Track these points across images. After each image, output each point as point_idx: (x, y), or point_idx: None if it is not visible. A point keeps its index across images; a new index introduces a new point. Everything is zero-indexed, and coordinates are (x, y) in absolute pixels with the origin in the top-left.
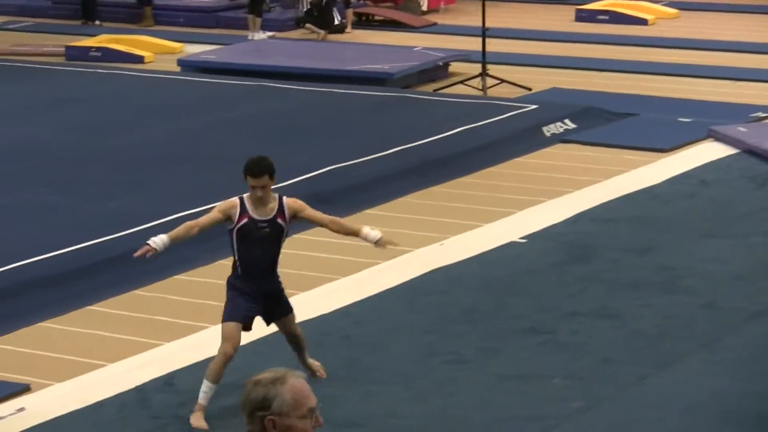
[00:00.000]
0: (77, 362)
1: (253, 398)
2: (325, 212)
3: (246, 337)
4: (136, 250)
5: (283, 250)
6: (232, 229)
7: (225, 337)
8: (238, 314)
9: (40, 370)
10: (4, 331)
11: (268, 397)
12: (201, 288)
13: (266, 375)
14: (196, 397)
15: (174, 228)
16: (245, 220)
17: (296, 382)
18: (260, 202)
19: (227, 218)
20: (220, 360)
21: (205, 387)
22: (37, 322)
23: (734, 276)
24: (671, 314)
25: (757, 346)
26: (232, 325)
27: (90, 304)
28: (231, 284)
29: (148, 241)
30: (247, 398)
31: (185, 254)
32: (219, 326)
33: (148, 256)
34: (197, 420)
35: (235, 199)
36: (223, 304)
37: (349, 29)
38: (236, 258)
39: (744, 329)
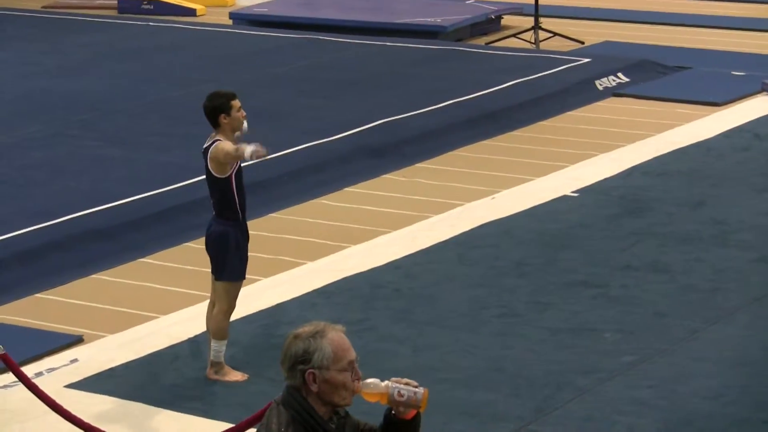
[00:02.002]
0: (130, 314)
1: (294, 352)
2: (378, 167)
3: (301, 288)
4: (185, 204)
5: (333, 203)
6: (231, 174)
7: (234, 297)
8: (244, 272)
9: (93, 322)
10: (57, 282)
11: (309, 351)
12: (253, 240)
13: (306, 329)
14: (249, 348)
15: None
16: (238, 162)
17: (336, 335)
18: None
19: (235, 159)
20: (227, 319)
21: (218, 345)
22: (90, 274)
23: None
24: (723, 268)
25: None
26: (240, 284)
27: (142, 257)
28: (235, 239)
29: (254, 150)
30: (287, 352)
31: None
32: (270, 279)
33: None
34: (232, 374)
35: (229, 143)
36: (271, 256)
37: None
38: (237, 204)
39: None
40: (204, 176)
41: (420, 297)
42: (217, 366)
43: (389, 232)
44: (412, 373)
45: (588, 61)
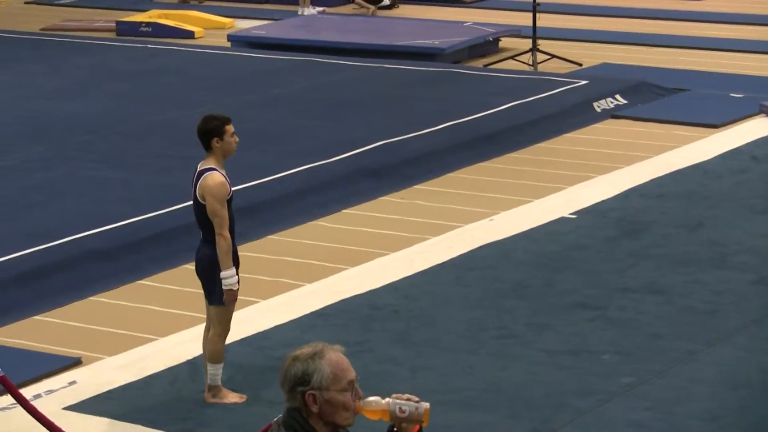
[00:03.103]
0: (128, 336)
1: (293, 374)
2: (376, 189)
3: (300, 310)
4: (183, 226)
5: (332, 225)
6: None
7: (228, 319)
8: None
9: (92, 344)
10: (55, 304)
11: (308, 372)
12: (251, 263)
13: (304, 350)
14: (247, 370)
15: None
16: (231, 188)
17: (334, 355)
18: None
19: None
20: (222, 341)
21: (215, 369)
22: (89, 296)
23: None
24: (721, 290)
25: None
26: (232, 307)
27: (141, 278)
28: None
29: (233, 288)
30: (287, 374)
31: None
32: (270, 300)
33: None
34: (230, 396)
35: (220, 177)
36: (271, 279)
37: (397, 5)
38: (230, 226)
39: None
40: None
41: (418, 318)
42: (214, 389)
43: (387, 253)
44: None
45: (586, 83)
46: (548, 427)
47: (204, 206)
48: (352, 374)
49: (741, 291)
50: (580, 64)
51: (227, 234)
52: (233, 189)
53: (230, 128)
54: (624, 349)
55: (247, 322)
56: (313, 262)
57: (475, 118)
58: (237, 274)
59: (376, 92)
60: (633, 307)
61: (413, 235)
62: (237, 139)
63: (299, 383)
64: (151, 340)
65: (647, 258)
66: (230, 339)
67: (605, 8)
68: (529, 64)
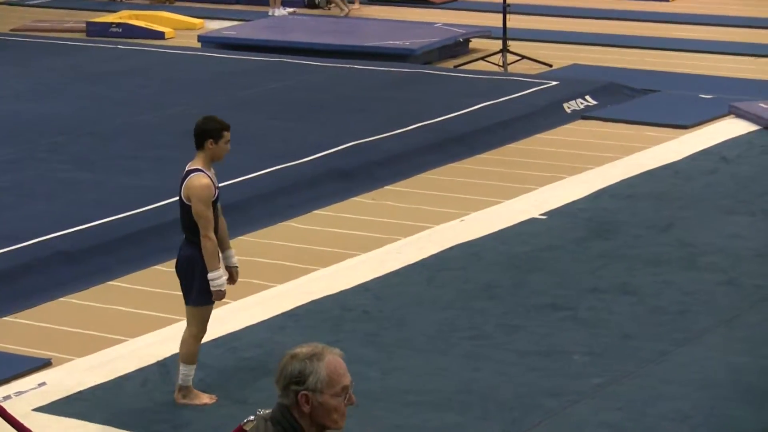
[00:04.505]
0: (98, 337)
1: (289, 372)
2: (347, 189)
3: (270, 311)
4: (154, 227)
5: (303, 226)
6: (213, 202)
7: (203, 321)
8: (211, 297)
9: (62, 345)
10: (25, 306)
11: (305, 373)
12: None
13: (304, 349)
14: (218, 371)
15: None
16: (216, 190)
17: (333, 359)
18: (222, 159)
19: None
20: (196, 343)
21: (187, 369)
22: (59, 297)
23: (755, 253)
24: (691, 291)
25: None
26: (209, 309)
27: (111, 280)
28: (203, 263)
29: (221, 288)
30: (283, 371)
31: None
32: (239, 301)
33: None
34: (201, 397)
35: (206, 179)
36: (239, 280)
37: (356, 5)
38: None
39: (764, 306)
40: (175, 197)
41: (389, 319)
42: (185, 390)
43: (358, 254)
44: (381, 396)
45: (556, 84)
46: (519, 427)
47: (187, 207)
48: (347, 380)
49: (711, 291)
50: (550, 65)
51: (212, 236)
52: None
53: (227, 135)
54: (594, 349)
55: (217, 322)
56: (284, 263)
57: (445, 119)
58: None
59: (347, 93)
60: (603, 308)
61: (384, 236)
62: (229, 148)
63: (294, 382)
64: (121, 341)
65: (617, 259)
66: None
67: (575, 9)
68: (500, 65)
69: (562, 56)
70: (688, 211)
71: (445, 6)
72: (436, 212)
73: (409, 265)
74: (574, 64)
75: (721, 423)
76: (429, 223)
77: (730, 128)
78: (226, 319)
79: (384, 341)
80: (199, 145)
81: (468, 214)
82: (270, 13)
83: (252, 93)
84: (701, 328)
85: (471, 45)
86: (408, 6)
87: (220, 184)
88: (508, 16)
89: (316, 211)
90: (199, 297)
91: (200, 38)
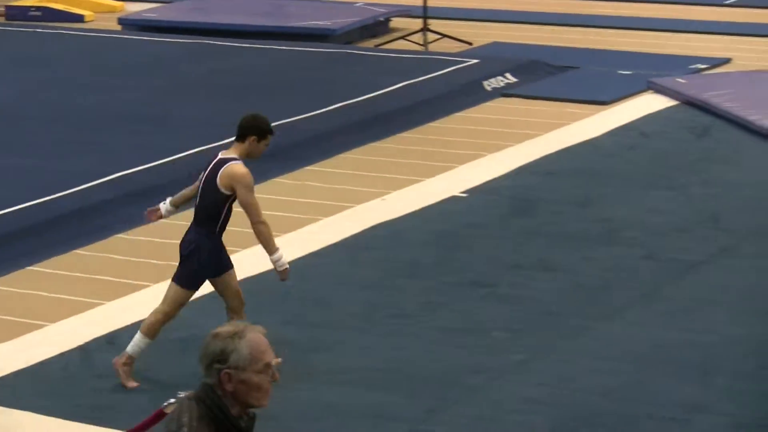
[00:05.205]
0: (19, 323)
1: (212, 351)
2: (268, 170)
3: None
4: (75, 211)
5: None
6: (234, 194)
7: (178, 304)
8: (197, 285)
9: None
10: None
11: (226, 351)
12: (142, 247)
13: (226, 328)
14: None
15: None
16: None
17: (255, 336)
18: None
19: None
20: (162, 320)
21: (143, 342)
22: None
23: (674, 227)
24: (612, 266)
25: (696, 296)
26: (188, 294)
27: (31, 265)
28: (208, 251)
29: (286, 266)
30: (206, 351)
31: (125, 213)
32: (161, 284)
33: (153, 220)
34: (130, 381)
35: (245, 167)
36: (163, 263)
37: None
38: (223, 223)
39: (684, 279)
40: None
41: (312, 299)
42: (130, 361)
43: (280, 235)
44: (304, 376)
45: (476, 62)
46: (442, 405)
47: (221, 195)
48: (270, 357)
49: (631, 266)
50: (471, 44)
51: (264, 219)
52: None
53: (270, 138)
54: (516, 325)
55: (141, 305)
56: None
57: (366, 99)
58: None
59: (269, 74)
60: (525, 284)
61: (306, 216)
62: (265, 150)
63: (217, 360)
64: (42, 326)
65: (539, 235)
66: (123, 323)
67: None
68: (421, 44)
69: (482, 34)
70: (608, 187)
71: None
72: (357, 192)
73: (331, 245)
74: (495, 42)
75: (643, 396)
76: (351, 203)
77: (648, 104)
78: (150, 302)
79: (307, 321)
80: (242, 138)
81: (389, 193)
82: None
83: (174, 75)
84: (622, 303)
85: (392, 24)
86: None
87: (140, 167)
88: None
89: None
90: (186, 279)
91: (121, 21)
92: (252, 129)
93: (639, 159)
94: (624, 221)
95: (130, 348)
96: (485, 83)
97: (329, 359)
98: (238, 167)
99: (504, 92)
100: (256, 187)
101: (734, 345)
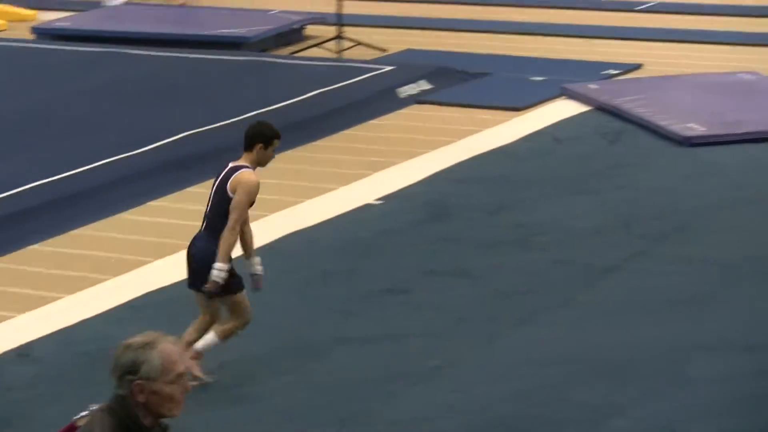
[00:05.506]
0: None
1: (123, 362)
2: (183, 180)
3: (106, 304)
4: None
5: (138, 218)
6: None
7: (247, 306)
8: (241, 281)
9: None
10: None
11: (137, 362)
12: (57, 258)
13: (137, 339)
14: (54, 366)
15: None
16: None
17: (167, 347)
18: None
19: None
20: (241, 327)
21: (215, 342)
22: None
23: (588, 232)
24: (527, 271)
25: (609, 301)
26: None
27: None
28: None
29: (218, 281)
30: (117, 362)
31: (41, 223)
32: (74, 296)
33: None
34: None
35: (257, 179)
36: (78, 274)
37: None
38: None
39: (597, 285)
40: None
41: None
42: (200, 356)
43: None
44: (211, 389)
45: (391, 69)
46: (357, 411)
47: (231, 200)
48: (181, 367)
49: (545, 272)
50: (385, 50)
51: (238, 229)
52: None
53: (277, 143)
54: (431, 332)
55: (52, 318)
56: (120, 255)
57: (281, 107)
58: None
59: (183, 83)
60: (440, 291)
61: None
62: (274, 155)
63: (128, 372)
64: None
65: (453, 242)
66: (36, 334)
67: None
68: (335, 52)
69: (396, 41)
70: (523, 193)
71: None
72: (271, 200)
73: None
74: (409, 49)
75: (559, 400)
76: (264, 212)
77: (562, 110)
78: (62, 313)
79: None
80: (249, 147)
81: (303, 201)
82: (104, 3)
83: (88, 84)
84: (536, 309)
85: (306, 32)
86: None
87: (54, 177)
88: (342, 1)
89: (151, 203)
90: (234, 285)
91: (34, 30)
92: (257, 137)
93: (552, 165)
94: (538, 227)
95: (204, 346)
96: (399, 90)
97: (240, 370)
98: (249, 174)
99: (418, 99)
100: (171, 197)
101: (647, 347)
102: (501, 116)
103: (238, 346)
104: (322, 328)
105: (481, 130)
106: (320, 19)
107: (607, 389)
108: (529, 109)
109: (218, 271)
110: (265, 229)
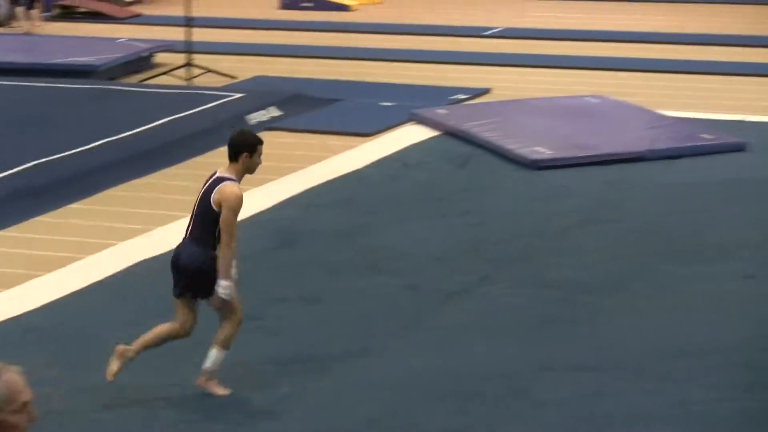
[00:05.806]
0: None
1: None
2: (31, 208)
3: None
4: None
5: None
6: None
7: (237, 304)
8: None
9: None
10: None
11: None
12: None
13: None
14: None
15: None
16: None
17: (10, 376)
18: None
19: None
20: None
21: (223, 355)
22: None
23: (435, 257)
24: (375, 296)
25: (455, 325)
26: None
27: None
28: (213, 260)
29: (227, 298)
30: None
31: None
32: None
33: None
34: (220, 388)
35: (240, 191)
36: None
37: (38, 22)
38: (217, 239)
39: (442, 309)
40: None
41: (74, 338)
42: (213, 374)
43: (42, 274)
44: (67, 418)
45: (241, 96)
46: None
47: (212, 211)
48: (27, 396)
49: (393, 296)
50: (235, 77)
51: (235, 245)
52: None
53: (261, 149)
54: (281, 359)
55: None
56: None
57: (131, 135)
58: None
59: (30, 111)
60: (290, 317)
61: (69, 254)
62: (261, 161)
63: None
64: None
65: (303, 267)
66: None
67: (259, 21)
68: (185, 79)
69: (246, 68)
70: (372, 218)
71: (128, 21)
72: (121, 229)
73: (95, 283)
74: (259, 76)
75: (406, 425)
76: (114, 240)
77: (411, 135)
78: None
79: (69, 361)
80: (234, 158)
81: (154, 229)
82: None
83: None
84: (384, 333)
85: (155, 59)
86: (91, 22)
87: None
88: (192, 29)
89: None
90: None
91: None
92: (242, 146)
93: (402, 190)
94: (387, 251)
95: (213, 364)
96: (249, 117)
97: (90, 399)
98: (231, 187)
99: (268, 126)
100: (19, 227)
101: (492, 372)
102: (351, 142)
103: (88, 375)
104: (173, 356)
105: (330, 156)
106: (169, 47)
107: (451, 413)
108: (378, 135)
109: (224, 288)
110: (116, 258)
